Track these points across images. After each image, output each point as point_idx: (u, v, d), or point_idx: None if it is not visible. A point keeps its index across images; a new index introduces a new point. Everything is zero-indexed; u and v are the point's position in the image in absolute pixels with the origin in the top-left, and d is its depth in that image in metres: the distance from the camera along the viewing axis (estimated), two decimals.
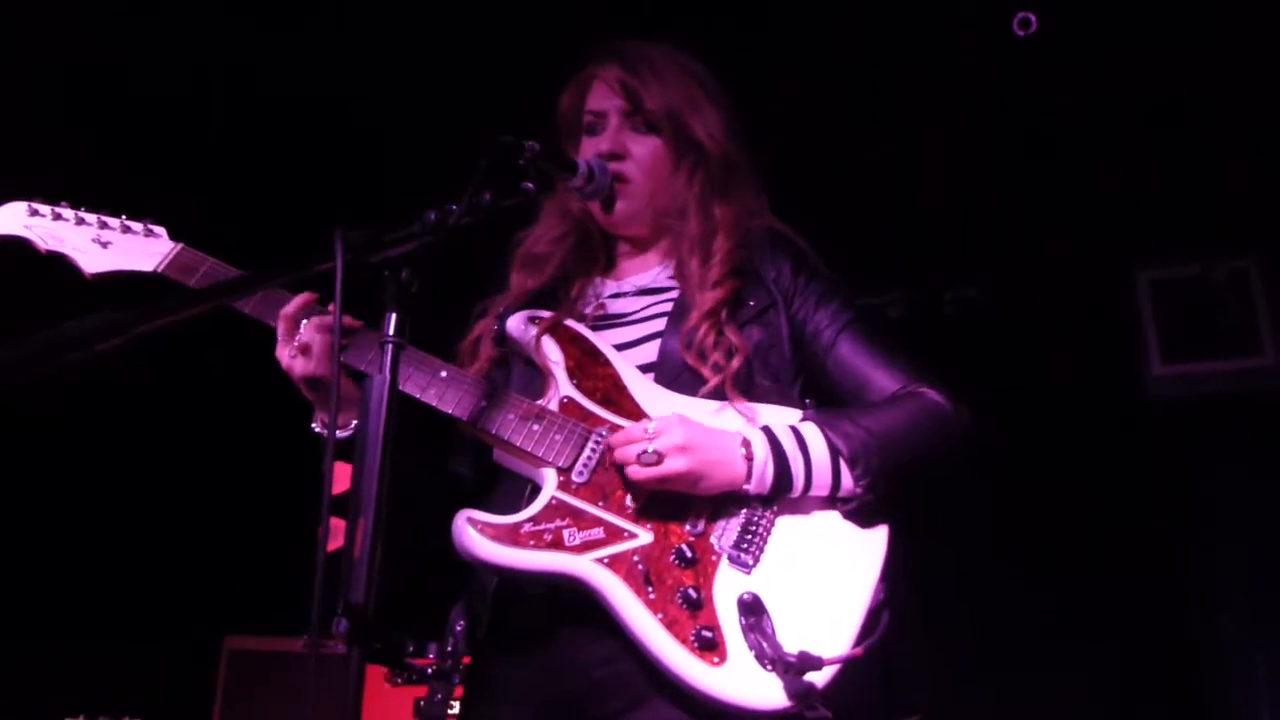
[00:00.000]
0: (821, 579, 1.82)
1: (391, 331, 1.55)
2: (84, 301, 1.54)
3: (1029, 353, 4.53)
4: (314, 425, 2.00)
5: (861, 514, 1.88)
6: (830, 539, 1.86)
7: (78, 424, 4.01)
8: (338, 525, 1.48)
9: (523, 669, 1.91)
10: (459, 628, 1.99)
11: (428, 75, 4.05)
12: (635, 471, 1.81)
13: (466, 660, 2.01)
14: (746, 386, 1.96)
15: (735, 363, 1.94)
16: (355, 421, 1.90)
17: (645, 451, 1.80)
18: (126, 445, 4.34)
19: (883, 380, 1.99)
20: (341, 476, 1.51)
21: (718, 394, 1.93)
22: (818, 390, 2.04)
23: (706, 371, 1.94)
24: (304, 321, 1.92)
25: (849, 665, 1.75)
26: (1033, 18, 3.75)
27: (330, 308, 1.93)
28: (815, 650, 1.72)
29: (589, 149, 2.12)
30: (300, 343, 1.90)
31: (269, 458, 4.34)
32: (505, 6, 3.85)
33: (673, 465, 1.79)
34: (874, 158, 4.26)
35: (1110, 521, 4.28)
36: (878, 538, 1.88)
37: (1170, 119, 4.09)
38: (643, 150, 2.10)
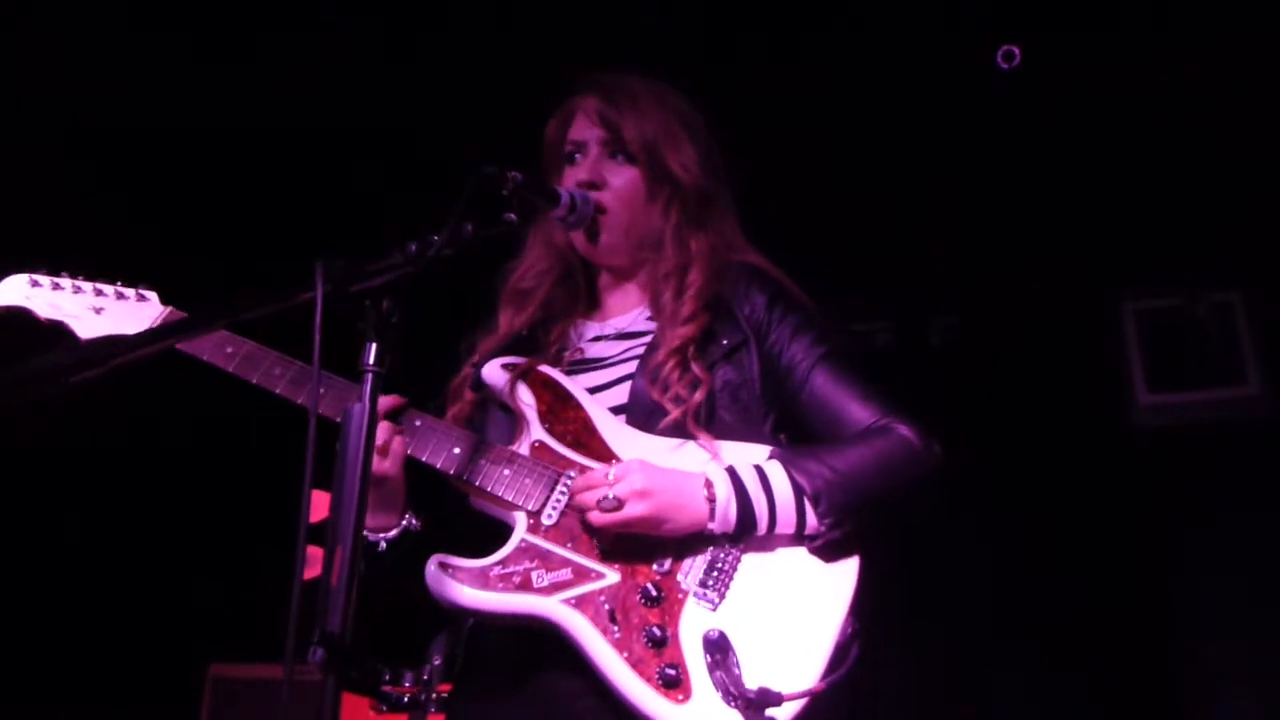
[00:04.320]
0: (788, 614, 1.84)
1: (371, 361, 1.56)
2: None
3: (1015, 381, 4.54)
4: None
5: (830, 549, 1.89)
6: (797, 574, 1.88)
7: (59, 455, 4.01)
8: (315, 554, 1.48)
9: (498, 708, 1.93)
10: (436, 661, 1.98)
11: (411, 106, 4.07)
12: (596, 517, 1.84)
13: (444, 688, 2.01)
14: (710, 421, 1.97)
15: (698, 396, 1.96)
16: (403, 521, 1.97)
17: (606, 497, 1.82)
18: (110, 475, 4.33)
19: (856, 413, 1.99)
20: (319, 505, 1.52)
21: (679, 427, 1.95)
22: (791, 425, 2.05)
23: (667, 403, 1.96)
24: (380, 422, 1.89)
25: (815, 700, 1.76)
26: (1016, 51, 3.78)
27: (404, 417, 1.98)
28: (778, 685, 1.73)
29: (570, 178, 2.14)
30: (380, 443, 1.88)
31: (253, 483, 4.34)
32: (492, 36, 3.88)
33: (633, 510, 1.82)
34: (861, 188, 4.29)
35: (1094, 549, 4.28)
36: (847, 571, 1.89)
37: (1155, 150, 4.13)
38: (620, 180, 2.12)
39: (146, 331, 1.51)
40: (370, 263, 1.59)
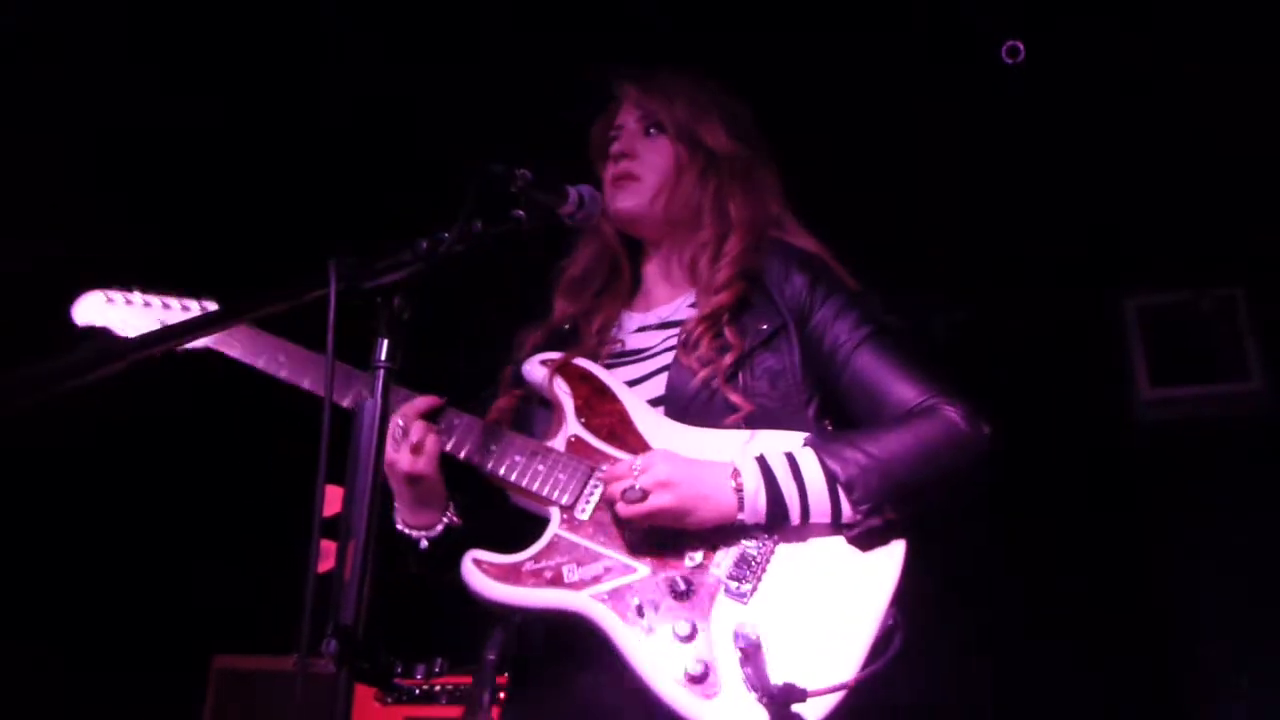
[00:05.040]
0: (824, 606, 1.79)
1: (383, 357, 1.58)
2: None
3: (1017, 376, 4.55)
4: (400, 526, 2.01)
5: (870, 538, 1.83)
6: (833, 565, 1.83)
7: (65, 444, 4.02)
8: (328, 548, 1.50)
9: (541, 708, 1.95)
10: (491, 657, 2.02)
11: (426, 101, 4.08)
12: (622, 509, 1.83)
13: (501, 680, 2.08)
14: (748, 391, 1.95)
15: (727, 359, 1.94)
16: (444, 519, 1.99)
17: (631, 488, 1.81)
18: (116, 464, 4.34)
19: (901, 393, 1.94)
20: (333, 499, 1.54)
21: (709, 395, 1.94)
22: (836, 410, 2.01)
23: (694, 363, 1.96)
24: (416, 421, 1.94)
25: (851, 694, 1.71)
26: (1021, 46, 3.78)
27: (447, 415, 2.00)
28: (811, 680, 1.69)
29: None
30: (414, 441, 1.92)
31: (259, 476, 4.36)
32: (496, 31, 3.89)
33: (657, 501, 1.80)
34: (864, 183, 4.29)
35: (1095, 544, 4.29)
36: (889, 560, 1.84)
37: (1159, 145, 4.13)
38: (651, 152, 2.17)
39: (162, 330, 1.53)
40: (382, 260, 1.61)
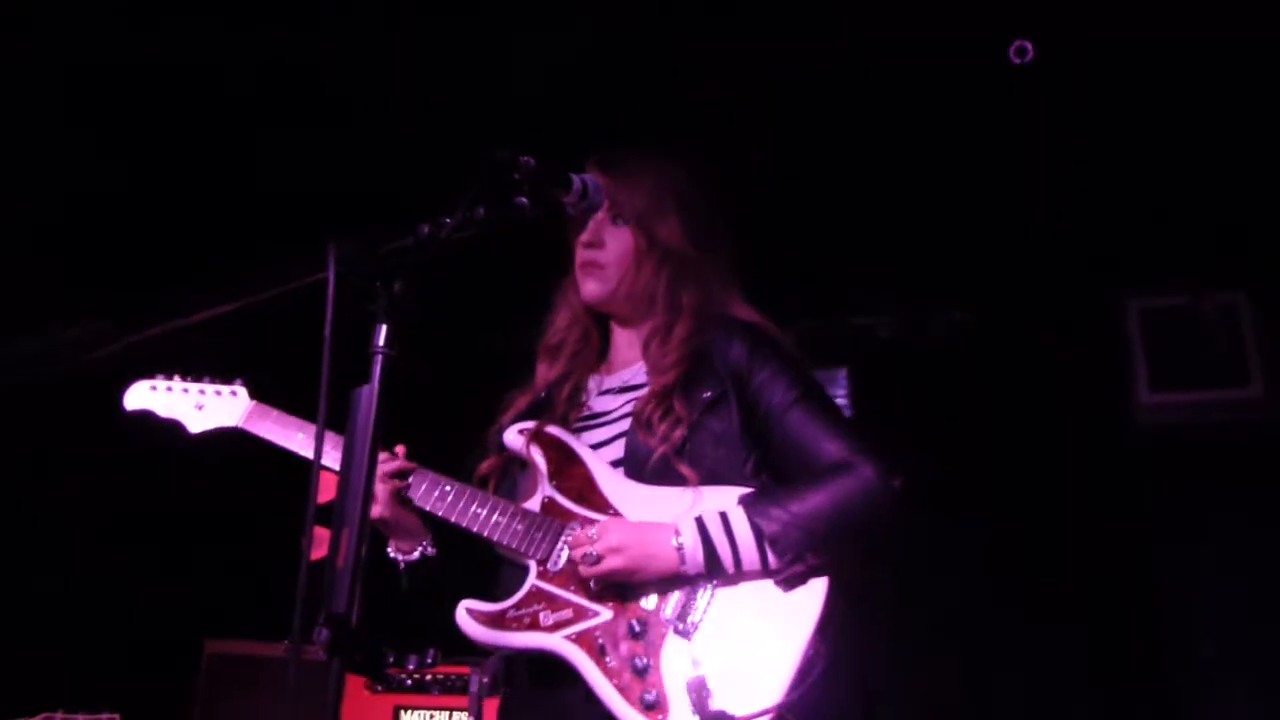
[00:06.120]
0: (755, 639, 2.08)
1: (381, 343, 1.56)
2: None
3: (1017, 377, 4.55)
4: (389, 550, 2.37)
5: (793, 581, 2.11)
6: (763, 604, 2.11)
7: (58, 426, 4.00)
8: (321, 534, 1.49)
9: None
10: (485, 680, 2.41)
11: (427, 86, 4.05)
12: (583, 570, 2.14)
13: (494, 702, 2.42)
14: (693, 459, 2.22)
15: (677, 433, 2.21)
16: (420, 548, 2.34)
17: (588, 554, 2.12)
18: (109, 446, 4.32)
19: (825, 450, 2.20)
20: (327, 486, 1.52)
21: (667, 465, 2.20)
22: (770, 465, 2.26)
23: (653, 443, 2.22)
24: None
25: (777, 718, 1.99)
26: (1029, 46, 3.77)
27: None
28: (744, 705, 1.98)
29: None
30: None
31: (251, 463, 4.34)
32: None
33: (610, 564, 2.11)
34: (865, 183, 4.28)
35: (1093, 548, 4.29)
36: (811, 598, 2.11)
37: (1161, 148, 4.12)
38: (616, 241, 2.41)
39: (157, 314, 1.51)
40: (382, 244, 1.59)
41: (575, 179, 2.03)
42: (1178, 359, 4.56)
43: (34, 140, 3.73)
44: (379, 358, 1.56)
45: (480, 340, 4.64)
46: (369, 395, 1.53)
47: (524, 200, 1.81)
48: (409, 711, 3.87)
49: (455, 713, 3.81)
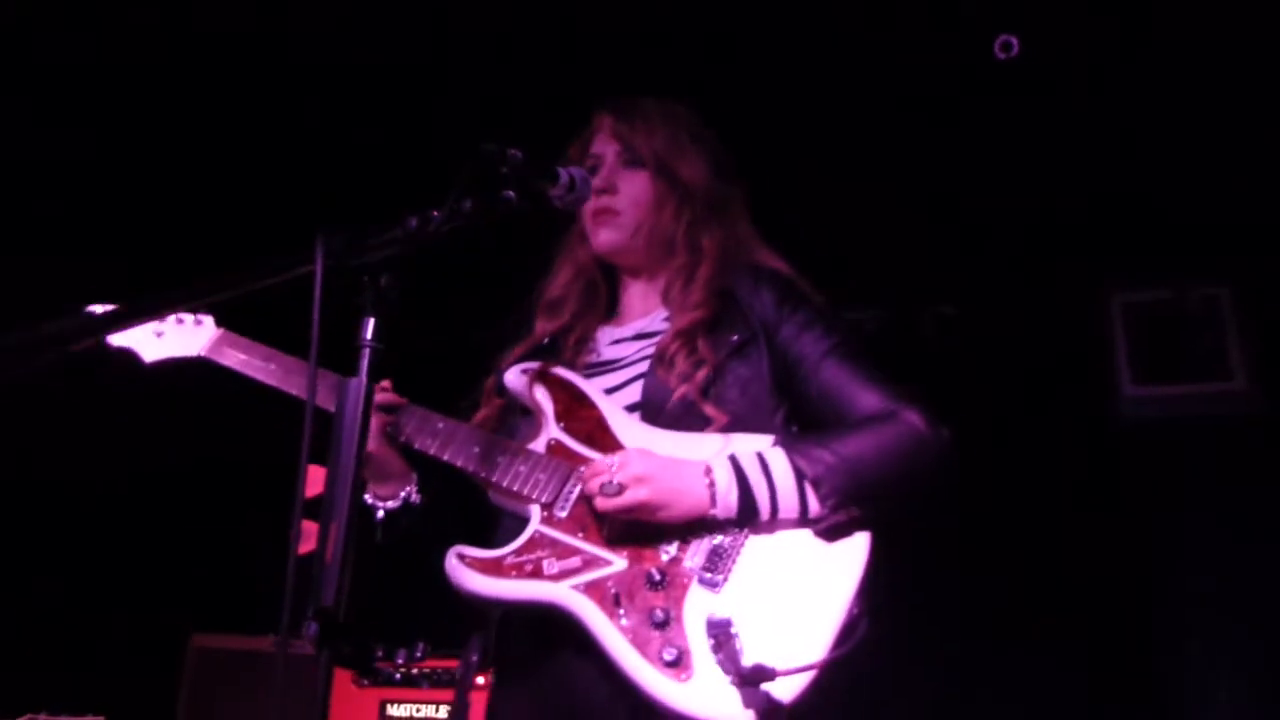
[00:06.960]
0: (792, 595, 1.87)
1: (369, 336, 1.56)
2: None
3: (1001, 371, 4.56)
4: (365, 497, 2.13)
5: (836, 532, 1.91)
6: (802, 556, 1.91)
7: (46, 419, 3.99)
8: (310, 528, 1.48)
9: (522, 699, 2.02)
10: (474, 658, 2.13)
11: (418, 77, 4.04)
12: (600, 502, 1.92)
13: (480, 677, 2.15)
14: (720, 400, 2.04)
15: (702, 372, 2.04)
16: (405, 490, 2.13)
17: (609, 483, 1.90)
18: (95, 440, 4.31)
19: (864, 401, 2.03)
20: (315, 480, 1.52)
21: (688, 407, 2.02)
22: (803, 417, 2.10)
23: (673, 380, 2.04)
24: None
25: (820, 679, 1.78)
26: (1014, 41, 3.78)
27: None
28: (779, 662, 1.76)
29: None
30: None
31: (238, 455, 4.33)
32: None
33: (633, 495, 1.89)
34: (852, 177, 4.29)
35: (1076, 541, 4.30)
36: (854, 552, 1.91)
37: (1145, 142, 4.14)
38: (631, 186, 2.26)
39: (137, 305, 1.50)
40: (370, 237, 1.59)
41: (562, 172, 2.01)
42: (1161, 353, 4.59)
43: (18, 135, 3.71)
44: (366, 351, 1.55)
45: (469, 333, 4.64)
46: (356, 388, 1.52)
47: (511, 194, 1.81)
48: (395, 705, 3.88)
49: (443, 706, 3.80)
